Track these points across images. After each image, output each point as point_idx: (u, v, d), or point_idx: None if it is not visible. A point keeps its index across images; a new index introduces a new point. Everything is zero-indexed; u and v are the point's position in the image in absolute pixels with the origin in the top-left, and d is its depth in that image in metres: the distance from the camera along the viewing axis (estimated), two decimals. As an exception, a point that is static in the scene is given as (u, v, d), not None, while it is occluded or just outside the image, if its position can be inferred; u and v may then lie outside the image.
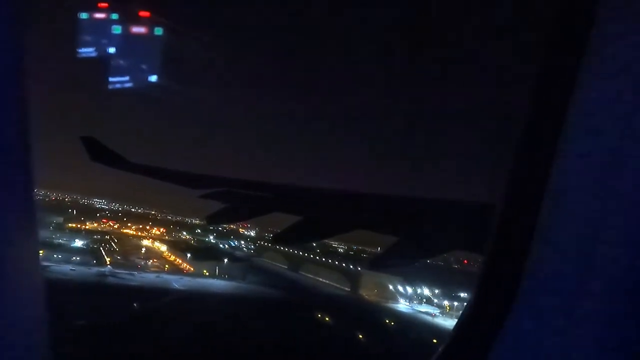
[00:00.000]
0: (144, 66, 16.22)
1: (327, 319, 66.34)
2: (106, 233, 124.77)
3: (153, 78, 16.24)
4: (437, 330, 74.83)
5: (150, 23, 15.00)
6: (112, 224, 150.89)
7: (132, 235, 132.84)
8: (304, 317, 63.55)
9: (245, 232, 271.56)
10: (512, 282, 2.18)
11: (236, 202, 6.87)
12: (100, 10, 13.97)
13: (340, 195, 7.31)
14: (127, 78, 15.68)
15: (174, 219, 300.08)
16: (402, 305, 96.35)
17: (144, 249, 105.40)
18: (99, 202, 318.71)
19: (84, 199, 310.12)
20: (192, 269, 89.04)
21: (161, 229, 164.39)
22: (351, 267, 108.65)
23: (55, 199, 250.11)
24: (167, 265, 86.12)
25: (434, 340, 64.93)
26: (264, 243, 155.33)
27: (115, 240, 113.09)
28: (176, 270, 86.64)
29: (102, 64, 15.00)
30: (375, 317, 75.40)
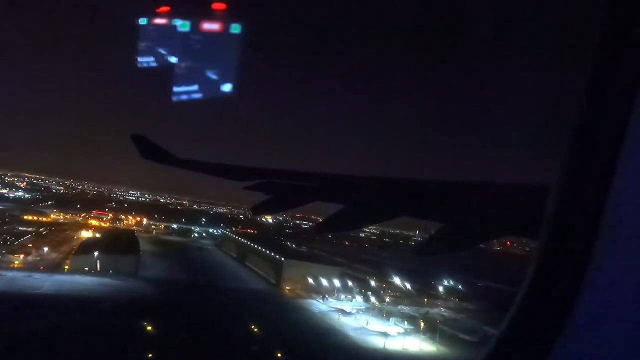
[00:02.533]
0: (215, 73, 13.35)
1: (148, 328, 54.99)
2: (50, 225, 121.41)
3: (226, 87, 13.25)
4: (312, 333, 62.02)
5: (226, 18, 12.01)
6: (84, 216, 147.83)
7: (78, 226, 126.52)
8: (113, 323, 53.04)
9: (265, 220, 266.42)
10: (574, 276, 2.03)
11: (279, 192, 6.86)
12: (162, 14, 12.01)
13: (384, 182, 6.76)
14: (195, 87, 13.17)
15: (199, 208, 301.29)
16: (317, 301, 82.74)
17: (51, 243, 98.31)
18: (133, 194, 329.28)
19: (116, 191, 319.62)
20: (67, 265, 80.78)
21: (142, 218, 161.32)
22: (277, 257, 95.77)
23: (68, 191, 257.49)
24: (16, 262, 78.39)
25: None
26: (230, 233, 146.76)
27: (42, 233, 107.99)
28: (45, 265, 78.84)
29: (166, 71, 12.79)
30: (241, 318, 63.18)
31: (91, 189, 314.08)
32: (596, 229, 1.94)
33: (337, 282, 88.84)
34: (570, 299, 1.98)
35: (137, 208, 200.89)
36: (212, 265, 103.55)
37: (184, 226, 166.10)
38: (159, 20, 12.14)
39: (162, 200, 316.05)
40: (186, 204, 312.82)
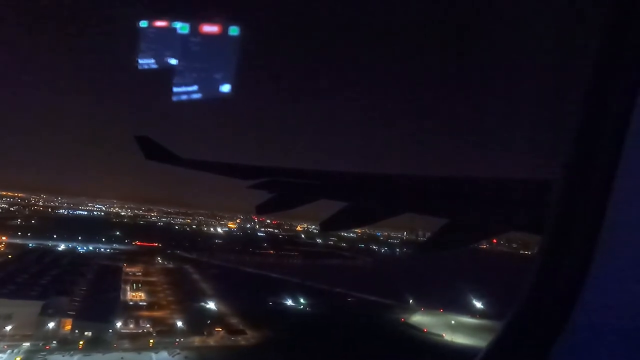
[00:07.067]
0: (215, 74, 13.66)
1: None
2: None
3: (225, 88, 13.54)
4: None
5: (224, 21, 12.53)
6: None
7: None
8: None
9: (214, 230, 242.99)
10: (576, 274, 2.04)
11: (284, 190, 6.93)
12: (162, 17, 12.58)
13: (388, 179, 6.78)
14: (194, 88, 13.42)
15: (157, 220, 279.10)
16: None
17: None
18: (99, 208, 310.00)
19: (78, 205, 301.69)
20: None
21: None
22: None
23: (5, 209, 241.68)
24: None
25: None
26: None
27: None
28: None
29: (167, 72, 13.11)
30: None
31: (44, 204, 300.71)
32: (598, 227, 1.93)
33: (49, 324, 63.04)
34: (572, 297, 1.97)
35: (50, 224, 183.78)
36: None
37: (63, 243, 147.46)
38: (159, 23, 12.44)
39: (123, 213, 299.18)
40: (150, 216, 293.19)
